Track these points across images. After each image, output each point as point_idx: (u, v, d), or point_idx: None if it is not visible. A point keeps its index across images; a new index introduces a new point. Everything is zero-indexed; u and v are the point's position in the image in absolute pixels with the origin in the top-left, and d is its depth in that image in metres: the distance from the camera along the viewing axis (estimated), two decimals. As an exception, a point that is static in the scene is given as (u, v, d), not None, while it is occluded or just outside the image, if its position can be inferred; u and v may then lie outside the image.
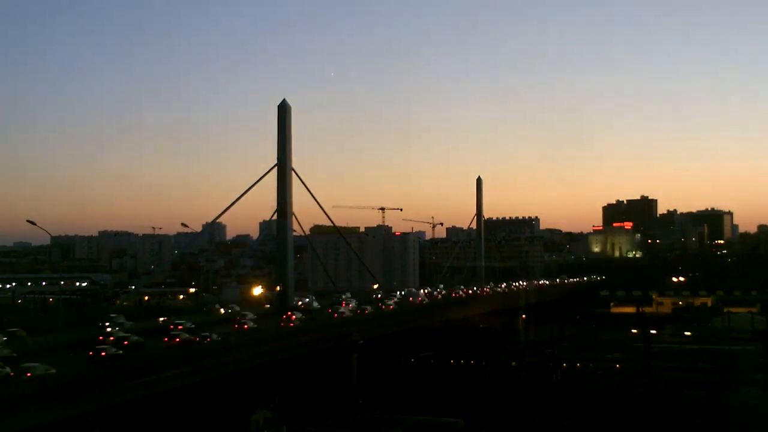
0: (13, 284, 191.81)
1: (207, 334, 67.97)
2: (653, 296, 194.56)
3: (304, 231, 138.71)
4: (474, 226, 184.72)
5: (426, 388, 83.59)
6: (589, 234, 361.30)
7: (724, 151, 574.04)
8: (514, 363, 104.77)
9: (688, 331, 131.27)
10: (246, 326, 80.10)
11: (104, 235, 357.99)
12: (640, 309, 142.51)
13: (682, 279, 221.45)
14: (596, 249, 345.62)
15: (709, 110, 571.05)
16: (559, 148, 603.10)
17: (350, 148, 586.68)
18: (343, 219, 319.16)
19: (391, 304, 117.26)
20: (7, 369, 46.54)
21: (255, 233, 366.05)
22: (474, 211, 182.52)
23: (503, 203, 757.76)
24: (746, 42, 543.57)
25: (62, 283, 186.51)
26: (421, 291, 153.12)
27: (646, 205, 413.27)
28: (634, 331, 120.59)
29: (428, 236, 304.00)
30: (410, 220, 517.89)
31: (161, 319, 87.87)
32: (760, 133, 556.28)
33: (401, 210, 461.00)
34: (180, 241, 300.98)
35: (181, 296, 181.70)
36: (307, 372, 69.40)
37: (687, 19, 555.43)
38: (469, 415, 68.46)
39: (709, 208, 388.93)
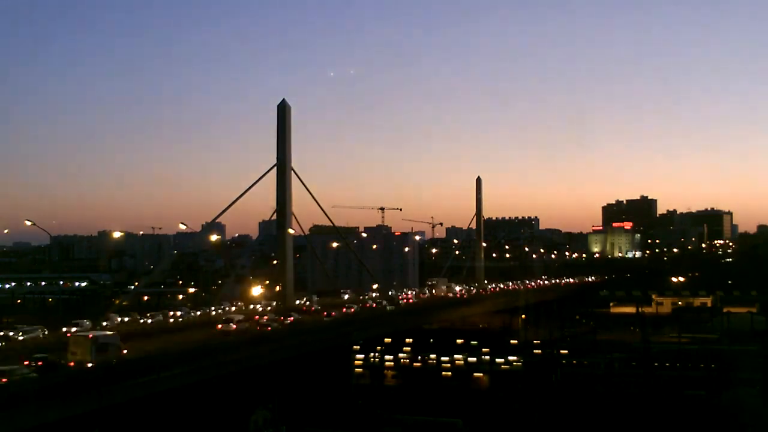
0: (13, 284, 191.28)
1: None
2: (653, 296, 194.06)
3: (303, 231, 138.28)
4: (473, 226, 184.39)
5: (426, 388, 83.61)
6: (588, 234, 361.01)
7: (724, 151, 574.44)
8: (514, 363, 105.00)
9: (687, 332, 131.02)
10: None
11: (104, 235, 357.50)
12: (640, 309, 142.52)
13: (681, 279, 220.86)
14: (596, 249, 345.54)
15: (708, 110, 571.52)
16: (559, 148, 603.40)
17: (350, 148, 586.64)
18: (342, 219, 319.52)
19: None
20: None
21: (255, 233, 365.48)
22: (473, 211, 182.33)
23: (503, 203, 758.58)
24: (746, 41, 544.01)
25: (61, 283, 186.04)
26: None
27: (645, 205, 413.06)
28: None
29: (428, 236, 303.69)
30: (410, 220, 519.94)
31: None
32: (760, 133, 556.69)
33: (401, 210, 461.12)
34: (180, 241, 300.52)
35: (181, 296, 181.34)
36: (307, 372, 69.26)
37: (686, 18, 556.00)
38: (469, 415, 68.47)
39: (709, 208, 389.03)
